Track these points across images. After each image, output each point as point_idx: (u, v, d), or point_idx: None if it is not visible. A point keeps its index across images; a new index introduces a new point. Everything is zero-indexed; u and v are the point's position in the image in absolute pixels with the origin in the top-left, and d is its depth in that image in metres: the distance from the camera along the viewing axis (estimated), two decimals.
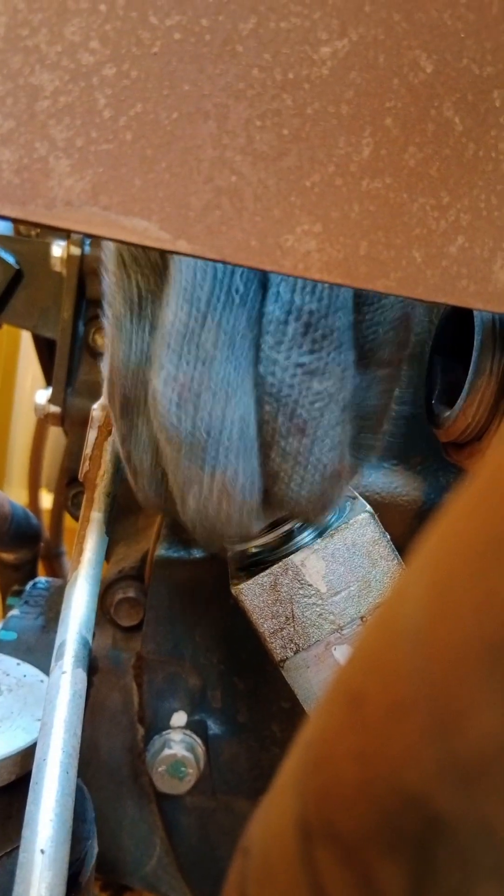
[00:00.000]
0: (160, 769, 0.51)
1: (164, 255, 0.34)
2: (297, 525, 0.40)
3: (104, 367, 0.38)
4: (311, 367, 0.32)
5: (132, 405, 0.36)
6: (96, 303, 0.60)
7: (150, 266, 0.35)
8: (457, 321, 0.40)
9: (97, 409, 0.46)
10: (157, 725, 0.52)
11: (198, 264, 0.32)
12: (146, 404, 0.35)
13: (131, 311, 0.35)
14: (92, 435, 0.46)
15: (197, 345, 0.32)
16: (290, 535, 0.40)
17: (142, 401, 0.36)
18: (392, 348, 0.35)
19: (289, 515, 0.38)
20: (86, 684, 0.37)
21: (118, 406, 0.37)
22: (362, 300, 0.34)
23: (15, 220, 0.25)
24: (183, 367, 0.32)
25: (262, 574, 0.40)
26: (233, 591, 0.40)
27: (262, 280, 0.33)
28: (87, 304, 0.60)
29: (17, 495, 1.00)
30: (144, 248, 0.36)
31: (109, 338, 0.37)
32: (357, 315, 0.34)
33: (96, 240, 0.57)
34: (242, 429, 0.32)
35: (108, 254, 0.36)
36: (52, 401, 0.61)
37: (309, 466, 0.34)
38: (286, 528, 0.40)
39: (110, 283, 0.37)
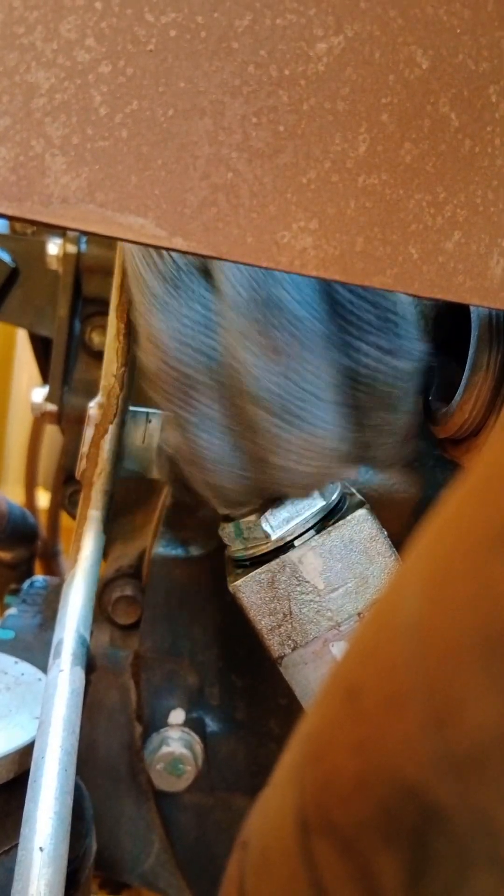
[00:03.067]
0: (158, 767, 0.51)
1: None
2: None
3: (145, 353, 0.36)
4: (388, 347, 0.34)
5: (192, 384, 0.35)
6: (92, 301, 0.60)
7: None
8: (453, 317, 0.40)
9: (94, 406, 0.46)
10: (154, 723, 0.52)
11: None
12: (211, 380, 0.35)
13: (172, 285, 0.35)
14: (89, 433, 0.46)
15: (275, 310, 0.33)
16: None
17: (205, 377, 0.35)
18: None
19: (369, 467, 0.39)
20: (84, 682, 0.37)
21: (174, 389, 0.35)
22: None
23: (11, 218, 0.25)
24: (274, 335, 0.33)
25: (259, 571, 0.40)
26: (230, 588, 0.40)
27: None
28: (83, 302, 0.60)
29: (13, 494, 1.00)
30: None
31: (146, 322, 0.35)
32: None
33: (92, 238, 0.57)
34: (325, 389, 0.34)
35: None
36: (48, 399, 0.61)
37: (394, 434, 0.37)
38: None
39: (136, 267, 0.36)
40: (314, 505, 0.40)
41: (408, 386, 0.36)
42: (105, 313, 0.50)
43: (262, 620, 0.40)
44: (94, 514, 0.44)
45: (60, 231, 0.59)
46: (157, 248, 0.26)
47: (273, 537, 0.40)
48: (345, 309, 0.34)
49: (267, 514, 0.40)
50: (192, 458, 0.36)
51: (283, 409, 0.34)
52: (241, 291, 0.33)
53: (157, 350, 0.35)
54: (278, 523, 0.40)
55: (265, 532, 0.40)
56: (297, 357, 0.33)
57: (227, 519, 0.41)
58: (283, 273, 0.32)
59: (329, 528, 0.39)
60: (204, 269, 0.35)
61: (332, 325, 0.34)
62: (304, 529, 0.40)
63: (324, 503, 0.40)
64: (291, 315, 0.33)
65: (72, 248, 0.58)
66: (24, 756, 0.36)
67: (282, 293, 0.33)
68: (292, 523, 0.40)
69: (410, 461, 0.50)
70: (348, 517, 0.40)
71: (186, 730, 0.52)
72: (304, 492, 0.38)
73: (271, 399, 0.34)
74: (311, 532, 0.40)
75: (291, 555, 0.39)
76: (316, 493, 0.40)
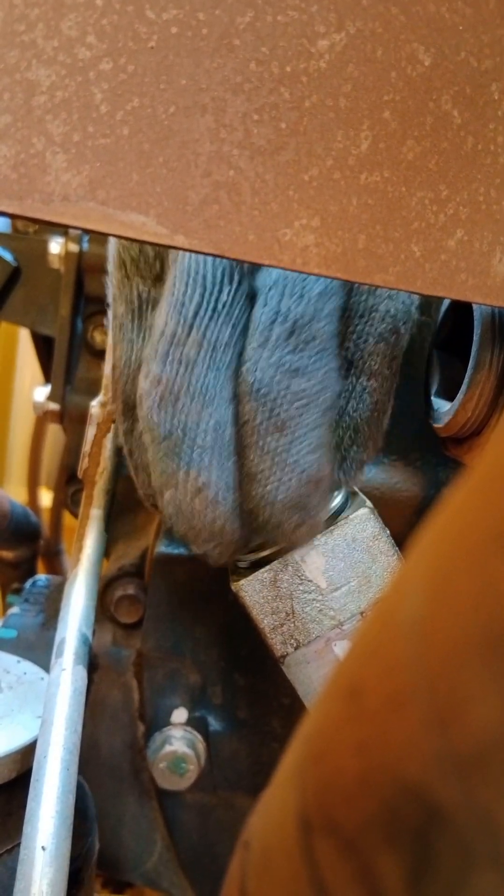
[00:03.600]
0: (161, 766, 0.51)
1: (163, 263, 0.36)
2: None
3: (107, 367, 0.40)
4: (293, 366, 0.34)
5: (131, 405, 0.38)
6: (94, 300, 0.60)
7: (150, 272, 0.37)
8: (456, 315, 0.40)
9: (96, 406, 0.46)
10: (157, 722, 0.52)
11: (189, 277, 0.34)
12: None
13: (132, 316, 0.38)
14: (91, 432, 0.45)
15: (181, 352, 0.34)
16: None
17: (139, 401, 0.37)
18: (380, 359, 0.36)
19: (264, 527, 0.37)
20: (86, 681, 0.37)
21: (120, 405, 0.39)
22: (352, 311, 0.35)
23: (12, 216, 0.25)
24: (166, 371, 0.34)
25: (261, 570, 0.40)
26: (233, 587, 0.40)
27: (251, 293, 0.35)
28: (85, 301, 0.60)
29: (16, 493, 1.00)
30: (143, 252, 0.37)
31: (112, 340, 0.39)
32: (345, 325, 0.35)
33: (94, 236, 0.57)
34: (218, 432, 0.34)
35: (111, 258, 0.38)
36: (50, 398, 0.61)
37: (286, 467, 0.35)
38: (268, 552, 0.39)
39: (113, 288, 0.39)
40: None
41: (309, 413, 0.35)
42: (107, 312, 0.50)
43: (265, 619, 0.40)
44: (96, 513, 0.44)
45: (62, 230, 0.59)
46: (159, 245, 0.26)
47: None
48: (255, 326, 0.35)
49: None
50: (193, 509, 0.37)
51: (168, 446, 0.35)
52: (165, 323, 0.35)
53: (113, 370, 0.39)
54: None
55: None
56: (186, 393, 0.35)
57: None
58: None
59: (332, 527, 0.39)
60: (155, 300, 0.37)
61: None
62: None
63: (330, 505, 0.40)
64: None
65: (74, 247, 0.58)
66: (27, 755, 0.36)
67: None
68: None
69: (413, 460, 0.50)
70: (351, 516, 0.40)
71: (189, 729, 0.52)
72: (205, 543, 0.38)
73: (159, 433, 0.35)
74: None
75: (294, 554, 0.39)
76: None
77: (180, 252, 0.34)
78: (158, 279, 0.37)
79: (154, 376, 0.34)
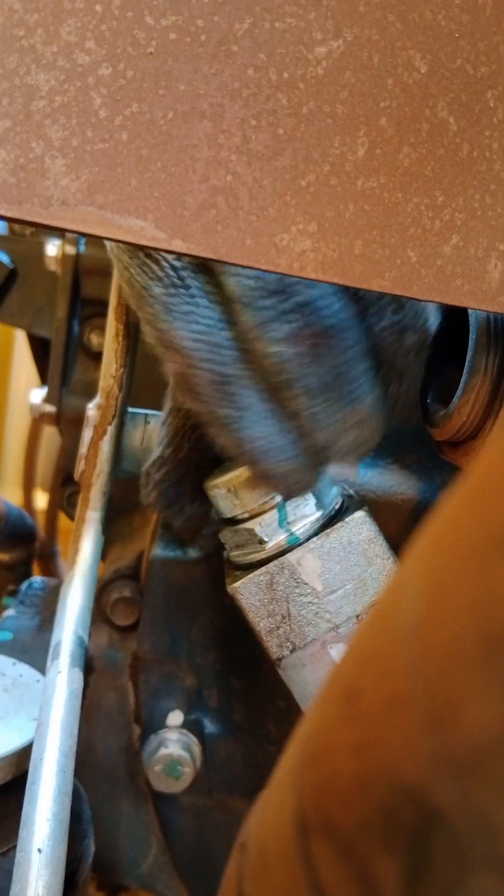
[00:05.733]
0: (156, 768, 0.51)
1: None
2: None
3: (169, 361, 0.35)
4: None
5: (224, 380, 0.35)
6: (91, 302, 0.60)
7: None
8: (451, 320, 0.40)
9: (92, 408, 0.46)
10: (153, 725, 0.52)
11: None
12: (241, 372, 0.35)
13: (172, 287, 0.34)
14: (87, 434, 0.46)
15: (293, 296, 0.33)
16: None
17: (234, 370, 0.35)
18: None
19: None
20: (82, 684, 0.37)
21: (209, 389, 0.35)
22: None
23: (11, 220, 0.25)
24: (300, 326, 0.34)
25: (258, 572, 0.40)
26: (229, 589, 0.40)
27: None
28: (81, 304, 0.60)
29: (11, 495, 1.00)
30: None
31: (158, 330, 0.35)
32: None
33: (91, 239, 0.57)
34: (364, 368, 0.36)
35: (115, 260, 0.37)
36: (47, 400, 0.61)
37: (405, 405, 0.39)
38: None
39: (133, 277, 0.35)
40: (315, 513, 0.40)
41: (416, 359, 0.38)
42: (104, 314, 0.50)
43: (261, 622, 0.40)
44: (92, 516, 0.44)
45: (59, 232, 0.59)
46: (155, 250, 0.26)
47: (270, 544, 0.40)
48: (359, 290, 0.35)
49: (264, 518, 0.40)
50: (244, 452, 0.36)
51: (319, 390, 0.35)
52: (246, 282, 0.33)
53: (180, 355, 0.34)
54: (273, 531, 0.40)
55: (261, 538, 0.40)
56: (320, 341, 0.34)
57: (232, 522, 0.41)
58: None
59: (328, 530, 0.40)
60: (201, 265, 0.35)
61: (350, 306, 0.35)
62: (311, 534, 0.40)
63: (323, 511, 0.40)
64: (305, 300, 0.34)
65: (70, 250, 0.58)
66: (23, 758, 0.36)
67: (289, 279, 0.33)
68: (294, 527, 0.40)
69: (409, 463, 0.50)
70: (347, 519, 0.40)
71: (185, 731, 0.52)
72: (352, 462, 0.39)
73: (304, 382, 0.34)
74: (310, 533, 0.40)
75: (290, 556, 0.39)
76: (314, 501, 0.40)
77: None
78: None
79: (291, 331, 0.33)
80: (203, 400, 0.35)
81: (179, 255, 0.35)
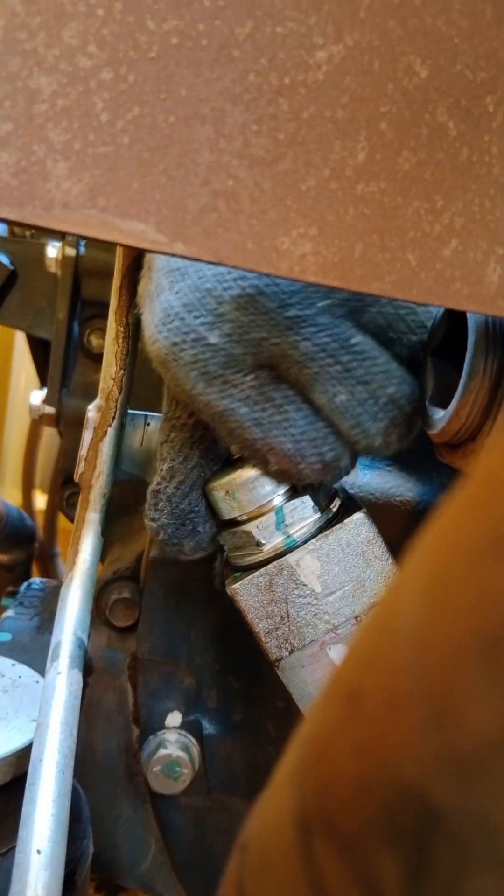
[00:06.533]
0: (155, 769, 0.51)
1: None
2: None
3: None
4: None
5: (283, 378, 0.37)
6: (91, 303, 0.60)
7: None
8: (450, 323, 0.41)
9: (92, 409, 0.46)
10: (152, 725, 0.52)
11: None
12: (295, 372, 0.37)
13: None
14: (87, 435, 0.46)
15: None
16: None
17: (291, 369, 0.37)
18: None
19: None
20: (81, 685, 0.37)
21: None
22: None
23: (12, 222, 0.25)
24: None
25: (257, 574, 0.40)
26: (228, 591, 0.41)
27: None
28: (82, 305, 0.61)
29: (11, 496, 1.00)
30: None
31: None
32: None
33: (91, 241, 0.57)
34: (377, 348, 0.37)
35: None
36: (46, 401, 0.61)
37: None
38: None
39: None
40: (313, 516, 0.40)
41: (421, 339, 0.39)
42: (104, 316, 0.50)
43: (260, 623, 0.40)
44: (92, 517, 0.44)
45: (59, 234, 0.59)
46: (158, 252, 0.26)
47: (267, 546, 0.40)
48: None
49: (261, 521, 0.40)
50: (270, 447, 0.37)
51: (342, 374, 0.36)
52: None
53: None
54: (271, 534, 0.40)
55: (259, 541, 0.40)
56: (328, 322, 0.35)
57: (230, 524, 0.42)
58: None
59: (326, 532, 0.40)
60: (270, 368, 0.37)
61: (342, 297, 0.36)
62: (308, 537, 0.40)
63: (322, 513, 0.41)
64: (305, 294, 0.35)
65: (71, 251, 0.58)
66: (22, 758, 0.36)
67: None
68: (294, 530, 0.40)
69: (408, 465, 0.50)
70: (345, 520, 0.40)
71: (183, 732, 0.52)
72: (387, 448, 0.39)
73: (325, 363, 0.36)
74: (309, 535, 0.40)
75: (289, 558, 0.39)
76: (312, 504, 0.40)
77: (289, 341, 0.35)
78: (260, 366, 0.37)
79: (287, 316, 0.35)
80: (221, 390, 0.37)
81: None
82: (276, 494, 0.40)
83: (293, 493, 0.40)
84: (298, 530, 0.40)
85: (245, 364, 0.36)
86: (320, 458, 0.38)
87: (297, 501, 0.40)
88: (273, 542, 0.40)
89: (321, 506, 0.41)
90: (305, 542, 0.40)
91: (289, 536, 0.40)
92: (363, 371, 0.37)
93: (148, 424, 0.48)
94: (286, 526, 0.40)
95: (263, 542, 0.40)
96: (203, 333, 0.35)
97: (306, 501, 0.40)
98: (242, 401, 0.37)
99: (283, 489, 0.40)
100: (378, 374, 0.37)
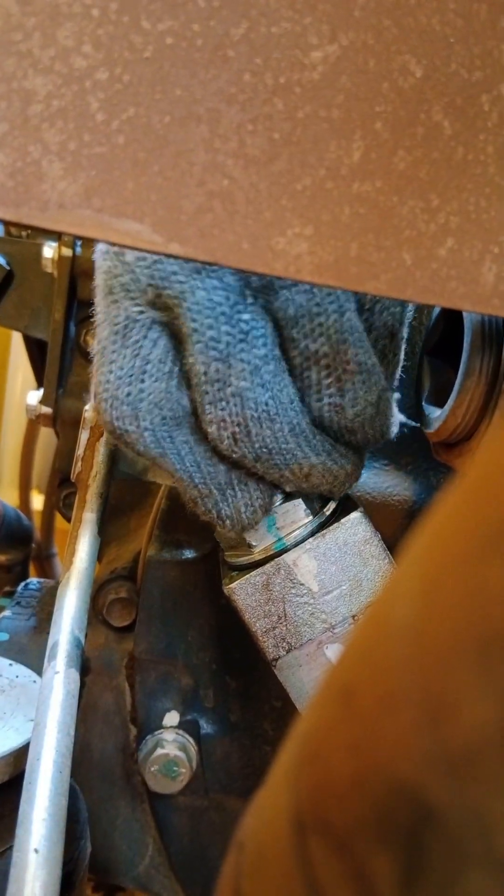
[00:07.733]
0: (153, 769, 0.51)
1: (158, 292, 0.36)
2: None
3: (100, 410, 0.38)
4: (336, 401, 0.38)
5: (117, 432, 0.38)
6: (88, 304, 0.60)
7: (143, 297, 0.36)
8: (446, 322, 0.41)
9: (89, 410, 0.46)
10: (149, 725, 0.52)
11: (206, 314, 0.35)
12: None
13: (116, 336, 0.37)
14: (84, 436, 0.46)
15: (230, 388, 0.35)
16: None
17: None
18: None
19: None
20: (78, 685, 0.37)
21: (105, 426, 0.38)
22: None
23: (9, 223, 0.25)
24: (226, 410, 0.36)
25: (254, 573, 0.40)
26: (225, 590, 0.41)
27: (265, 304, 0.36)
28: (78, 305, 0.60)
29: (8, 496, 1.00)
30: (134, 278, 0.36)
31: (95, 366, 0.38)
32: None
33: (88, 241, 0.57)
34: (296, 424, 0.37)
35: (98, 287, 0.38)
36: (43, 402, 0.61)
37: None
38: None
39: (99, 315, 0.38)
40: (304, 518, 0.40)
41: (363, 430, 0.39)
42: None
43: (257, 623, 0.40)
44: (88, 517, 0.44)
45: (56, 234, 0.59)
46: (153, 253, 0.26)
47: (258, 548, 0.40)
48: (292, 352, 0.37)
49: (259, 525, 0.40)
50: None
51: (264, 463, 0.37)
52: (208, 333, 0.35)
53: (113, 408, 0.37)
54: (262, 536, 0.40)
55: (250, 542, 0.40)
56: (251, 420, 0.36)
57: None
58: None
59: (323, 531, 0.40)
60: (166, 321, 0.37)
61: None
62: (299, 540, 0.40)
63: (315, 514, 0.41)
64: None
65: (67, 252, 0.58)
66: (19, 758, 0.36)
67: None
68: (288, 532, 0.40)
69: (404, 465, 0.50)
70: (342, 520, 0.40)
71: (181, 732, 0.52)
72: (381, 437, 0.40)
73: (250, 461, 0.37)
74: (306, 534, 0.40)
75: (286, 557, 0.39)
76: (304, 507, 0.40)
77: (184, 287, 0.35)
78: (153, 305, 0.36)
79: (215, 418, 0.36)
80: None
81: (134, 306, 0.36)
82: None
83: (286, 496, 0.40)
84: (290, 533, 0.40)
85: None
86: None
87: (288, 504, 0.40)
88: (264, 544, 0.40)
89: (314, 509, 0.41)
90: (297, 544, 0.40)
91: (279, 539, 0.40)
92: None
93: None
94: (278, 528, 0.40)
95: (254, 543, 0.40)
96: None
97: (298, 505, 0.40)
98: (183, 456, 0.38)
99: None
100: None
